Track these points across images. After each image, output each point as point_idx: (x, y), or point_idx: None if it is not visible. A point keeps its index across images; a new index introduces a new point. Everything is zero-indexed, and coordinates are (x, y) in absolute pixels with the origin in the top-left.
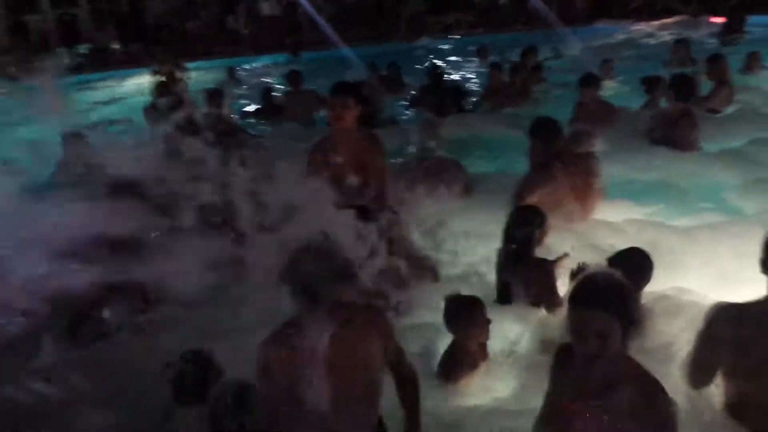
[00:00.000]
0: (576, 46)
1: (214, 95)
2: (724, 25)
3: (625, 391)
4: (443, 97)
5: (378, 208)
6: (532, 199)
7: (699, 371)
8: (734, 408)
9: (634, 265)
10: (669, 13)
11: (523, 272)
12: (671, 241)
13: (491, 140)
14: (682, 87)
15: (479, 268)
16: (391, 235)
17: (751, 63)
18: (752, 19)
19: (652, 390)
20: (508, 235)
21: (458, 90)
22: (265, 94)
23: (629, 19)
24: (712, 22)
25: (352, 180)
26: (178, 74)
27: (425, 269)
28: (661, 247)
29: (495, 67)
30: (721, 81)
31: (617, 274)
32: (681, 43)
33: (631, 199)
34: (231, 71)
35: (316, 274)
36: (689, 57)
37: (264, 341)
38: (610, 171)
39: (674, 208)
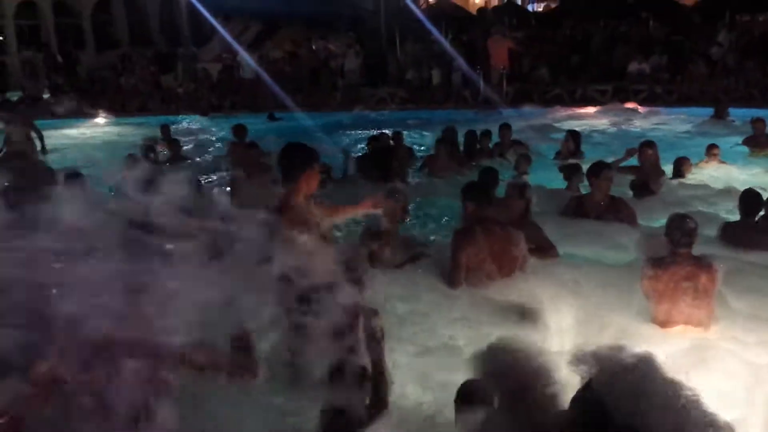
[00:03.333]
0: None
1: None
2: (715, 111)
3: None
4: (390, 162)
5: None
6: (462, 260)
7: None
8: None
9: None
10: (587, 101)
11: None
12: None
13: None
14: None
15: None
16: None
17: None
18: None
19: None
20: None
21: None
22: None
23: (551, 106)
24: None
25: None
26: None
27: None
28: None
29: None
30: (655, 166)
31: None
32: (572, 135)
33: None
34: (165, 129)
35: None
36: (578, 149)
37: None
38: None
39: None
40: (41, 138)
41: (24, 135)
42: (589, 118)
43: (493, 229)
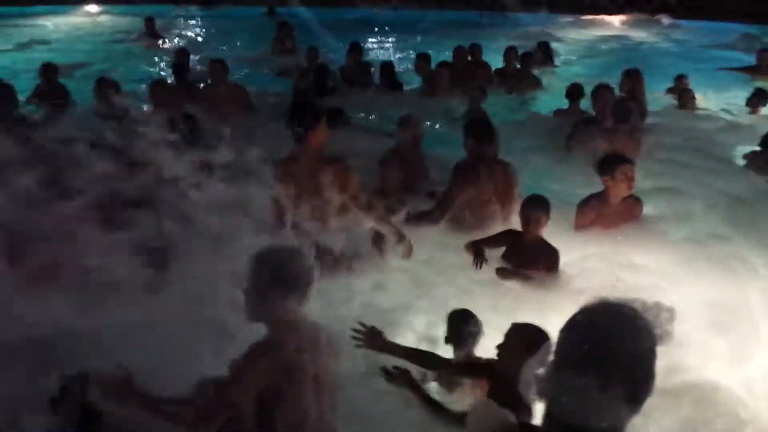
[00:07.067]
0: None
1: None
2: None
3: None
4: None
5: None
6: (462, 198)
7: None
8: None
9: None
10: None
11: None
12: None
13: None
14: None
15: None
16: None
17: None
18: None
19: None
20: None
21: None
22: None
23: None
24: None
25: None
26: None
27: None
28: None
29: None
30: (634, 96)
31: None
32: (541, 46)
33: None
34: (150, 23)
35: None
36: (549, 58)
37: None
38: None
39: None
40: None
41: None
42: (603, 28)
43: (496, 168)
